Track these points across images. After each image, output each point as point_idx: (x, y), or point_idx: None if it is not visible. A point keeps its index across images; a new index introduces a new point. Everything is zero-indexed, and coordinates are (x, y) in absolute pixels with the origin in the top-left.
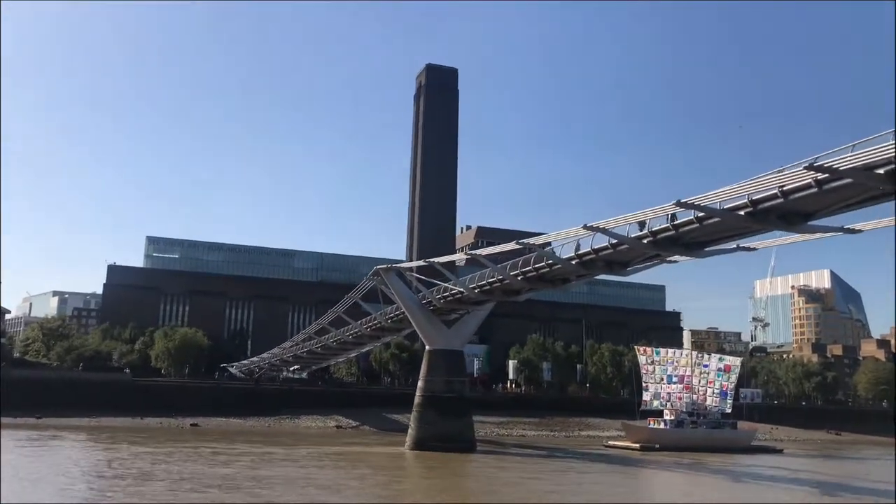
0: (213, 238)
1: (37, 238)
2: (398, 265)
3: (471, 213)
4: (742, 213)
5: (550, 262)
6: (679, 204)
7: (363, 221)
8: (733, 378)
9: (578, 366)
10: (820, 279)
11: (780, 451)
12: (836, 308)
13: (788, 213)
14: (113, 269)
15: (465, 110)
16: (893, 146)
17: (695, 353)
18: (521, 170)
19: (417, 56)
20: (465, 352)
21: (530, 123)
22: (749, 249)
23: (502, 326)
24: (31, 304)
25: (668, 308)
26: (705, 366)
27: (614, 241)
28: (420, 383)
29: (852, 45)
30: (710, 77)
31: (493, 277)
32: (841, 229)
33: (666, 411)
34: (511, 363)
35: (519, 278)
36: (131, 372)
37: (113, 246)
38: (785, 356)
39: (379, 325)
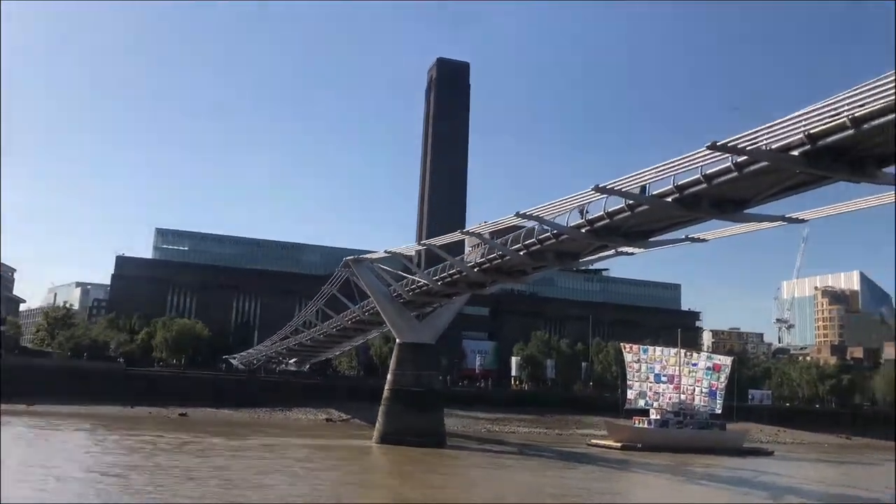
0: (221, 231)
1: (62, 230)
2: (365, 256)
3: (481, 209)
4: (669, 199)
5: (500, 252)
6: (597, 189)
7: (373, 216)
8: (723, 377)
9: (584, 364)
10: (849, 280)
11: (770, 454)
12: (862, 310)
13: (719, 199)
14: (121, 260)
15: (476, 106)
16: (804, 123)
17: (683, 351)
18: (534, 166)
19: (429, 50)
20: (470, 348)
21: (543, 119)
22: (698, 240)
23: (511, 323)
24: (55, 294)
25: (685, 307)
26: (694, 364)
27: (555, 231)
28: (389, 376)
29: (854, 43)
30: (725, 74)
31: (453, 269)
32: (782, 218)
33: (652, 410)
34: (514, 360)
35: (476, 270)
36: (126, 361)
37: (138, 237)
38: (801, 358)
39: (358, 318)
